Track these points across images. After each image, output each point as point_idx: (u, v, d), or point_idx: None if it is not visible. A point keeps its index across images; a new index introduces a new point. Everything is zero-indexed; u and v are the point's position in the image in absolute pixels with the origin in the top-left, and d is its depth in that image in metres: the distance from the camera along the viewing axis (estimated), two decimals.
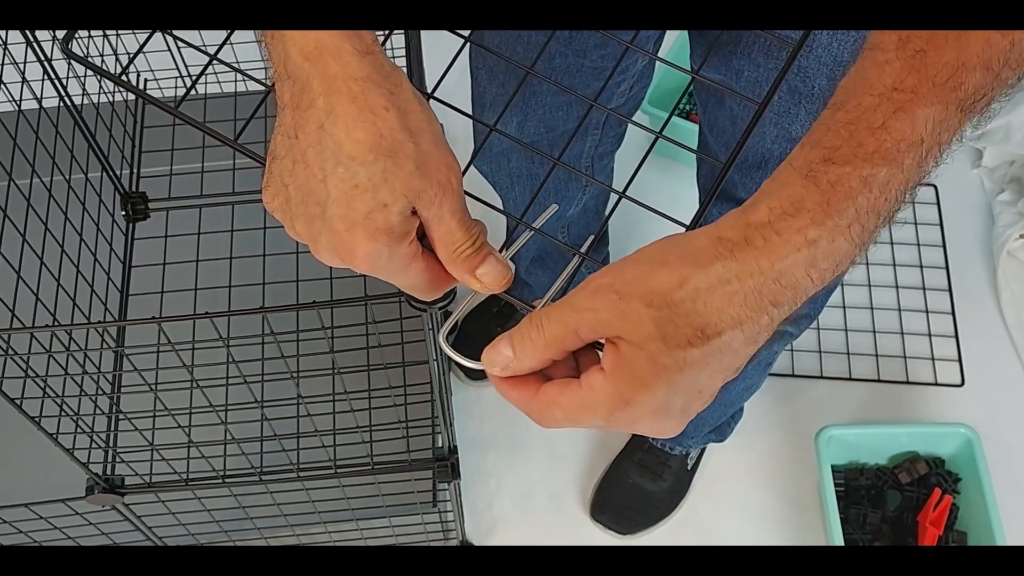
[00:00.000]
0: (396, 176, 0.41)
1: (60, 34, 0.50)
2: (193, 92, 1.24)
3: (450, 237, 0.44)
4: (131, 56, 0.51)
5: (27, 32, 0.92)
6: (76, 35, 0.49)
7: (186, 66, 1.16)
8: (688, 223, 0.46)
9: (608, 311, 0.40)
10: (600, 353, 0.42)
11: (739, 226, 0.40)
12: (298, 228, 0.44)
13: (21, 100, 0.90)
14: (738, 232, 0.39)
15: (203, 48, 0.54)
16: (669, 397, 0.40)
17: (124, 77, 0.50)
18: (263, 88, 0.48)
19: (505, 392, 0.44)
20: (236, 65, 1.13)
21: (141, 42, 0.53)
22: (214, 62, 0.50)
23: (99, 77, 1.07)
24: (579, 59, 0.80)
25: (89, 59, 1.03)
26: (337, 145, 0.41)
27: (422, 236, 0.44)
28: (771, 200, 0.40)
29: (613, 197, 1.18)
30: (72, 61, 0.49)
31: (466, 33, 0.52)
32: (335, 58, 0.41)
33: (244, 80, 1.16)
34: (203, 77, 1.19)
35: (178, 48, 1.08)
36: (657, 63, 1.16)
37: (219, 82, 1.18)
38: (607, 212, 1.24)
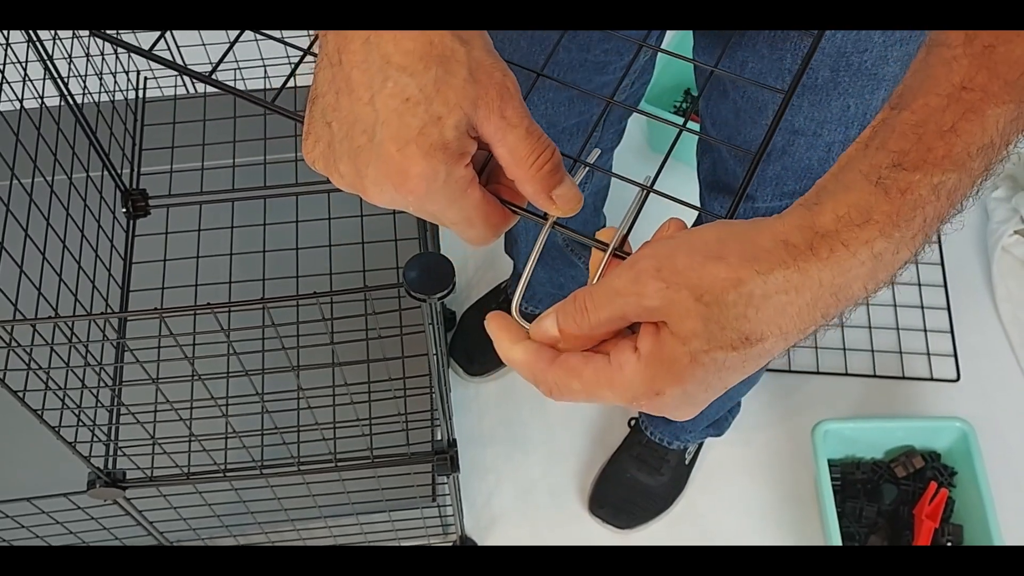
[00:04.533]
0: (449, 85, 0.38)
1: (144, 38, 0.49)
2: (192, 91, 1.24)
3: (522, 148, 0.40)
4: (221, 56, 0.51)
5: (28, 31, 0.93)
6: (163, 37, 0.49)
7: (186, 66, 1.16)
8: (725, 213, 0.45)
9: (655, 299, 0.37)
10: (628, 330, 0.40)
11: (805, 230, 0.37)
12: (342, 169, 0.40)
13: (23, 98, 0.91)
14: (804, 238, 0.37)
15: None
16: (697, 392, 0.39)
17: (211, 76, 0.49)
18: (263, 89, 0.48)
19: (516, 358, 0.41)
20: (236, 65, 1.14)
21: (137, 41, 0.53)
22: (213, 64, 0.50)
23: (101, 75, 1.08)
24: (583, 54, 0.80)
25: (91, 58, 1.04)
26: (385, 57, 0.38)
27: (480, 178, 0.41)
28: (837, 205, 0.37)
29: (612, 194, 1.19)
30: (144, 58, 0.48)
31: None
32: None
33: (243, 80, 1.17)
34: (214, 74, 1.21)
35: (178, 48, 1.09)
36: (661, 56, 1.17)
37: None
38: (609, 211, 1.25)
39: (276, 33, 0.47)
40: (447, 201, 0.40)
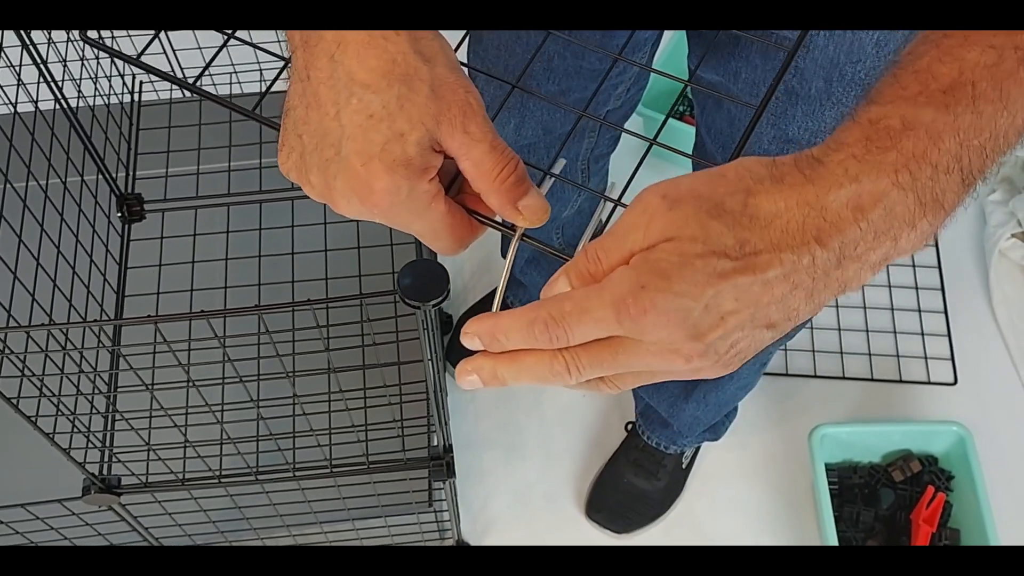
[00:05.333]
0: (411, 102, 0.39)
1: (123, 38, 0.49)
2: (187, 95, 1.24)
3: (486, 162, 0.40)
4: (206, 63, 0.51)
5: (22, 35, 0.92)
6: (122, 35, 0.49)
7: (182, 69, 1.16)
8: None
9: (660, 218, 0.37)
10: None
11: (790, 159, 0.38)
12: (313, 180, 0.41)
13: (17, 102, 0.90)
14: (789, 160, 0.38)
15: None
16: (688, 303, 0.36)
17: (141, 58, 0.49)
18: (258, 92, 0.48)
19: (504, 322, 0.40)
20: (232, 67, 1.14)
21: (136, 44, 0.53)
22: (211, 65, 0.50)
23: (96, 79, 1.08)
24: (577, 61, 0.80)
25: (86, 62, 1.03)
26: (349, 75, 0.39)
27: (449, 191, 0.42)
28: (824, 143, 0.39)
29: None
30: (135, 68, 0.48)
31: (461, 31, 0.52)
32: None
33: (240, 83, 1.17)
34: (199, 80, 1.20)
35: (173, 51, 1.09)
36: (658, 59, 1.16)
37: (214, 84, 1.18)
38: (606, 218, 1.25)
39: (254, 36, 0.47)
40: (411, 215, 0.41)
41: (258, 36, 0.52)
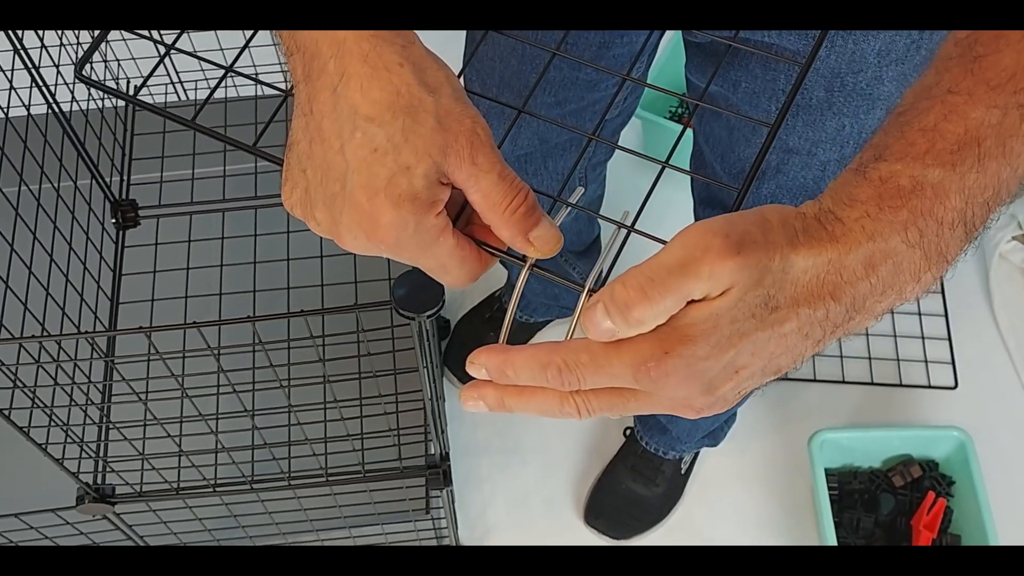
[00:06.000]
0: (417, 134, 0.38)
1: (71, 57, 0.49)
2: (185, 98, 1.23)
3: (495, 193, 0.39)
4: (144, 78, 0.50)
5: (14, 39, 0.91)
6: (91, 60, 0.48)
7: (177, 73, 1.15)
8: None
9: (729, 277, 0.36)
10: None
11: (813, 208, 0.39)
12: (319, 216, 0.41)
13: (9, 107, 0.89)
14: (811, 211, 0.38)
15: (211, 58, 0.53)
16: (709, 365, 0.37)
17: (137, 96, 0.48)
18: (273, 92, 0.47)
19: (517, 358, 0.39)
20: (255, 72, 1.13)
21: (133, 49, 0.52)
22: (207, 68, 0.50)
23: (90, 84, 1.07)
24: (574, 72, 0.80)
25: (85, 74, 1.02)
26: (352, 108, 0.38)
27: (457, 222, 0.41)
28: (833, 194, 0.39)
29: (605, 202, 1.18)
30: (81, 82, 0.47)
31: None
32: None
33: (236, 87, 1.16)
34: (195, 83, 1.20)
35: (169, 56, 1.07)
36: (657, 60, 1.15)
37: (209, 87, 1.17)
38: (602, 229, 1.24)
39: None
40: (419, 249, 0.40)
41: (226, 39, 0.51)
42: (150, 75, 0.48)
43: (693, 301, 0.37)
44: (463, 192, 0.40)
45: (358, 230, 0.39)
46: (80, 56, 0.48)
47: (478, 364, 0.40)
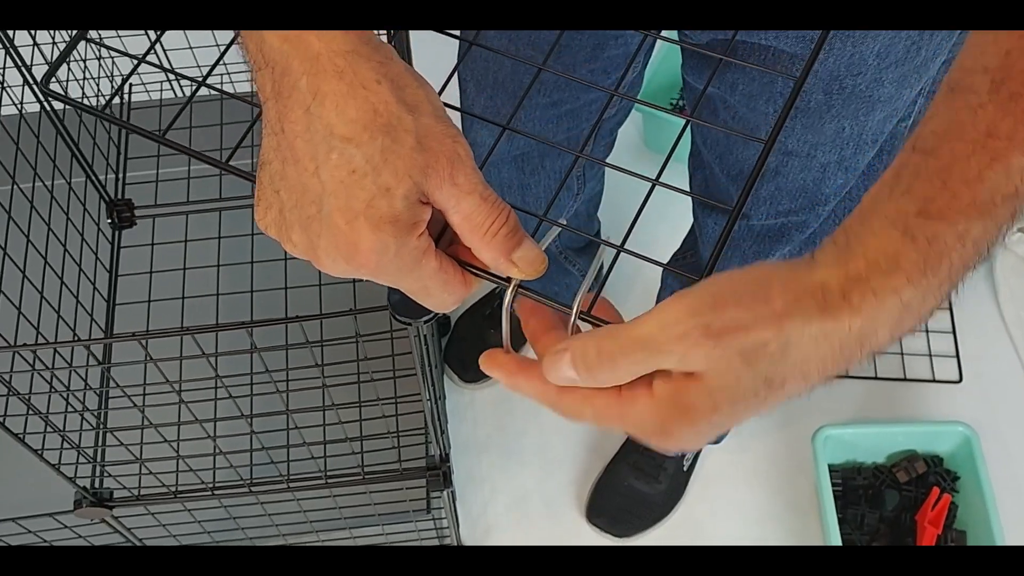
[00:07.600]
0: (396, 154, 0.37)
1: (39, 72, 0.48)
2: (180, 95, 1.21)
3: (477, 215, 0.38)
4: (118, 85, 0.49)
5: (5, 39, 0.90)
6: (56, 74, 0.47)
7: (173, 70, 1.14)
8: (698, 275, 0.42)
9: (701, 362, 0.36)
10: None
11: (839, 276, 0.36)
12: (295, 238, 0.39)
13: (0, 106, 0.88)
14: (839, 284, 0.36)
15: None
16: (707, 431, 0.38)
17: (108, 110, 0.47)
18: (249, 98, 0.46)
19: (524, 391, 0.40)
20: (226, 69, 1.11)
21: (126, 48, 0.51)
22: (203, 64, 0.48)
23: (82, 81, 1.06)
24: (569, 72, 0.78)
25: (72, 63, 1.01)
26: (327, 128, 0.37)
27: (439, 242, 0.41)
28: (866, 250, 0.37)
29: (604, 201, 1.17)
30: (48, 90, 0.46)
31: (458, 32, 0.50)
32: (316, 34, 0.37)
33: (232, 83, 1.14)
34: (185, 82, 1.18)
35: (165, 53, 1.06)
36: (656, 54, 1.13)
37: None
38: (602, 232, 1.23)
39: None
40: (401, 272, 0.39)
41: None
42: (114, 93, 0.47)
43: (688, 376, 0.37)
44: (443, 213, 0.39)
45: (337, 254, 0.38)
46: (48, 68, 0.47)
47: (487, 368, 0.42)
